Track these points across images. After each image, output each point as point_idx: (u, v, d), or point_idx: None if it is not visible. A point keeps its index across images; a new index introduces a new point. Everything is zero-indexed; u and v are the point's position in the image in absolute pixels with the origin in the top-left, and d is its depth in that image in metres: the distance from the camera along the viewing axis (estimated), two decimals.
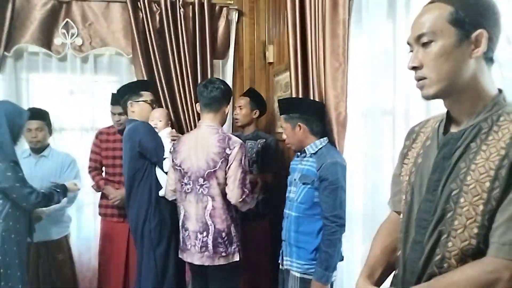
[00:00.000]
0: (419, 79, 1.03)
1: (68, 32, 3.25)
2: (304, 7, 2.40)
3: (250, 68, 3.72)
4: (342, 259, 2.16)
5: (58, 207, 2.80)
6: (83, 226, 3.44)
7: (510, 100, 1.02)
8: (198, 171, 2.29)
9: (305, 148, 2.22)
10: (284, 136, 2.32)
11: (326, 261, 2.02)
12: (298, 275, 2.16)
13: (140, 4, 3.26)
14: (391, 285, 1.19)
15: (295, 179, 2.26)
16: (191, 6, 3.36)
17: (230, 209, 2.30)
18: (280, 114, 2.40)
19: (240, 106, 3.08)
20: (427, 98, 1.04)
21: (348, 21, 2.06)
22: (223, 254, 2.28)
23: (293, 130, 2.23)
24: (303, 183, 2.15)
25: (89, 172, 3.14)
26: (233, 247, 2.31)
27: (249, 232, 2.90)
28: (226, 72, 3.60)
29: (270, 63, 3.59)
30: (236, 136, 2.46)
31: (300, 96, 2.48)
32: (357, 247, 2.13)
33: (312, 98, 2.37)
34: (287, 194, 2.32)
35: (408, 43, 1.06)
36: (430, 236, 1.01)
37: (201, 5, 3.37)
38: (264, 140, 3.01)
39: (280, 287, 2.36)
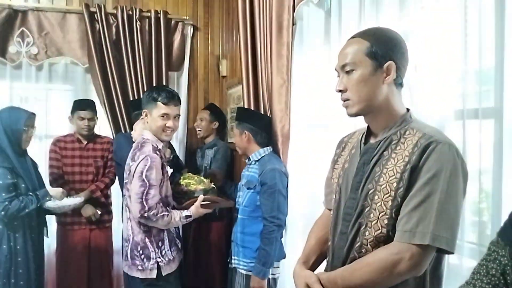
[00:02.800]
0: (344, 100, 1.26)
1: (23, 41, 3.28)
2: (254, 28, 2.62)
3: (205, 81, 3.90)
4: (285, 257, 2.37)
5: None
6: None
7: (415, 117, 1.27)
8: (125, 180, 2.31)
9: (250, 156, 2.44)
10: (233, 140, 2.53)
11: (264, 258, 2.25)
12: (244, 272, 2.38)
13: (97, 15, 3.35)
14: (324, 271, 1.40)
15: (242, 185, 2.48)
16: (147, 20, 3.51)
17: (144, 224, 2.19)
18: (235, 120, 2.61)
19: (201, 119, 3.35)
20: (351, 115, 1.27)
21: (291, 43, 2.30)
22: (139, 267, 2.20)
23: (240, 136, 2.46)
24: (247, 188, 2.38)
25: (53, 180, 3.07)
26: (150, 263, 2.20)
27: (206, 233, 3.11)
28: (181, 83, 3.76)
29: (224, 77, 3.79)
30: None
31: (252, 108, 2.70)
32: (299, 246, 2.35)
33: (261, 111, 2.59)
34: (236, 199, 2.53)
35: (336, 70, 1.30)
36: (352, 227, 1.23)
37: (157, 19, 3.52)
38: (216, 146, 3.24)
39: (229, 285, 2.54)
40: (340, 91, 1.26)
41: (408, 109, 1.27)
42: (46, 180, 3.06)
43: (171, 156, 2.92)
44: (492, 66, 1.27)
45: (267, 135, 2.46)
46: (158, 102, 2.20)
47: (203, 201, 2.34)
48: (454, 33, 1.40)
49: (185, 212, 2.27)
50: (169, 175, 2.51)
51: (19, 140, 2.53)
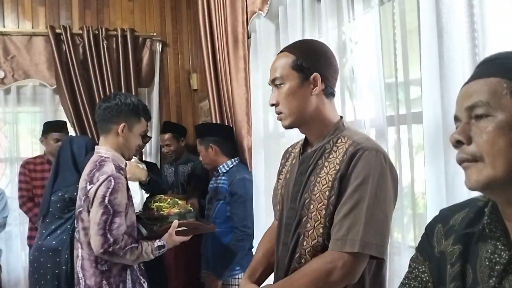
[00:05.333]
0: (277, 113, 1.27)
1: None
2: (214, 42, 2.67)
3: (176, 95, 3.93)
4: None
5: None
6: (11, 259, 3.39)
7: (348, 125, 1.29)
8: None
9: (218, 168, 2.46)
10: (200, 158, 2.55)
11: (225, 259, 2.27)
12: None
13: (63, 37, 3.38)
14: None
15: (211, 197, 2.49)
16: (114, 38, 3.54)
17: (102, 262, 1.79)
18: (196, 138, 2.63)
19: (167, 145, 3.26)
20: (285, 127, 1.29)
21: (248, 56, 2.34)
22: None
23: (206, 151, 2.47)
24: (217, 200, 2.39)
25: (23, 203, 3.05)
26: None
27: (181, 246, 3.07)
28: (152, 99, 3.78)
29: (195, 90, 3.83)
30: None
31: (218, 121, 2.73)
32: None
33: (226, 123, 2.62)
34: (205, 212, 2.54)
35: (269, 84, 1.32)
36: (292, 237, 1.23)
37: (124, 36, 3.55)
38: (193, 162, 3.22)
39: None
40: (273, 105, 1.27)
41: (341, 117, 1.29)
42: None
43: (147, 179, 2.53)
44: (418, 75, 1.32)
45: (231, 144, 2.49)
46: (142, 119, 1.89)
47: (178, 227, 1.97)
48: (384, 42, 1.44)
49: (158, 242, 1.88)
50: (144, 200, 2.29)
51: None
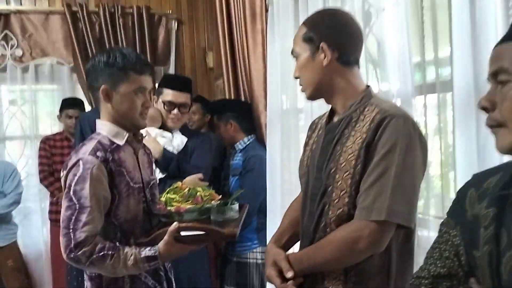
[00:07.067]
0: (300, 84, 1.28)
1: (7, 44, 3.31)
2: (231, 17, 2.63)
3: (192, 74, 3.90)
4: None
5: None
6: (32, 233, 3.46)
7: (375, 93, 1.26)
8: None
9: (235, 145, 2.46)
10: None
11: None
12: (234, 259, 2.39)
13: (79, 14, 3.37)
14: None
15: (227, 174, 2.50)
16: (130, 16, 3.51)
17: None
18: (214, 115, 2.62)
19: (193, 112, 3.15)
20: (308, 99, 1.29)
21: (265, 30, 2.30)
22: None
23: (225, 127, 2.47)
24: (233, 175, 2.39)
25: (44, 178, 3.11)
26: None
27: None
28: None
29: (211, 69, 3.80)
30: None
31: (232, 97, 2.71)
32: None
33: (242, 99, 2.60)
34: (222, 187, 2.55)
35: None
36: (318, 207, 1.22)
37: (140, 15, 3.52)
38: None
39: (219, 275, 2.56)
40: (296, 77, 1.28)
41: (368, 86, 1.26)
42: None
43: (159, 157, 2.11)
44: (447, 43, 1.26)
45: (250, 120, 2.48)
46: (131, 73, 1.39)
47: (180, 231, 1.35)
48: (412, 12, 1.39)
49: (147, 251, 1.34)
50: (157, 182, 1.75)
51: None
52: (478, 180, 0.85)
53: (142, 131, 1.84)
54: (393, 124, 1.09)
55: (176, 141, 2.19)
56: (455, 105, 1.16)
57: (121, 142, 1.42)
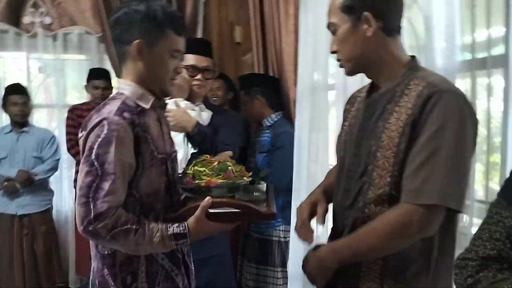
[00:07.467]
0: (338, 60, 1.20)
1: (37, 11, 3.30)
2: None
3: (219, 48, 3.82)
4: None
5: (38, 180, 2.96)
6: (60, 200, 3.53)
7: (421, 65, 1.17)
8: None
9: (262, 121, 2.41)
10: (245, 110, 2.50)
11: None
12: (256, 235, 2.38)
13: None
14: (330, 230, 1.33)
15: (254, 151, 2.45)
16: None
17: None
18: (241, 89, 2.56)
19: (217, 87, 3.10)
20: (348, 75, 1.21)
21: (298, 0, 2.21)
22: None
23: (252, 103, 2.41)
24: (259, 152, 2.35)
25: (71, 146, 3.09)
26: None
27: None
28: None
29: (238, 43, 3.71)
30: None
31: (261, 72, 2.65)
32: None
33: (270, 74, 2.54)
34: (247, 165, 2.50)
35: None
36: (355, 185, 1.16)
37: None
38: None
39: (241, 250, 2.56)
40: (333, 52, 1.19)
41: (413, 57, 1.17)
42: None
43: (195, 130, 1.92)
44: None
45: (278, 96, 2.42)
46: (168, 30, 1.24)
47: (212, 207, 1.23)
48: None
49: (174, 228, 1.21)
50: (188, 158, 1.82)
51: None
52: None
53: (170, 102, 1.76)
54: (443, 100, 1.01)
55: (204, 115, 2.05)
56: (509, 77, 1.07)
57: (147, 105, 1.26)
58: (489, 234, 0.83)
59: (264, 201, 1.31)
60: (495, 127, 1.25)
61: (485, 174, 1.28)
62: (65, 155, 3.27)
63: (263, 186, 1.40)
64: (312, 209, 1.31)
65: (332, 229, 1.28)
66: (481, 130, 1.27)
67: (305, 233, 1.28)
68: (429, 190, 0.99)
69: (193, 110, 2.00)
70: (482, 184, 1.31)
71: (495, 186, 1.26)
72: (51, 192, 3.23)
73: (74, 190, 3.27)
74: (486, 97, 1.22)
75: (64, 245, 3.45)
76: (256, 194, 1.35)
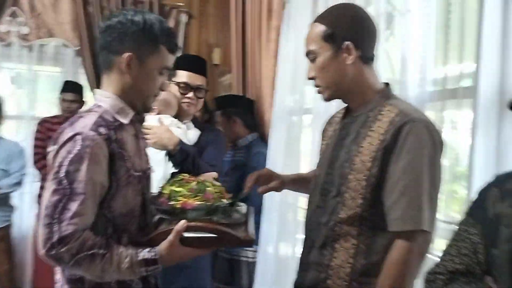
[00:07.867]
0: (316, 86, 1.24)
1: (14, 20, 3.26)
2: (245, 13, 2.62)
3: None
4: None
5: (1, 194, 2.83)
6: (21, 216, 3.35)
7: (393, 93, 1.23)
8: None
9: (237, 142, 2.43)
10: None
11: None
12: (224, 255, 2.36)
13: None
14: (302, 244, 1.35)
15: (228, 170, 2.46)
16: (141, 5, 3.48)
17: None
18: (217, 110, 2.59)
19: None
20: (326, 100, 1.26)
21: (280, 27, 2.29)
22: None
23: (228, 123, 2.44)
24: (233, 171, 2.36)
25: (37, 160, 3.01)
26: None
27: None
28: None
29: (215, 65, 3.78)
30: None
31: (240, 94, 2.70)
32: (274, 233, 2.32)
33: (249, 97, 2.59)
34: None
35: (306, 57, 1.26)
36: (331, 203, 1.19)
37: (151, 4, 3.50)
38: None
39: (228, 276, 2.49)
40: (310, 78, 1.24)
41: (387, 84, 1.24)
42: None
43: (176, 149, 1.82)
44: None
45: (253, 117, 2.46)
46: (161, 46, 1.19)
47: (187, 231, 1.14)
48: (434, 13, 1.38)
49: (145, 253, 1.13)
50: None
51: None
52: (502, 180, 0.87)
53: (154, 118, 1.74)
54: (416, 129, 1.07)
55: (191, 134, 1.95)
56: (477, 109, 1.15)
57: (125, 120, 1.19)
58: (457, 249, 0.87)
59: (244, 223, 1.24)
60: (460, 157, 1.33)
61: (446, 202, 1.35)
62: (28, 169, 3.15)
63: (243, 208, 1.34)
64: (269, 178, 1.43)
65: (303, 244, 1.30)
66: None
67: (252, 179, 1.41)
68: (413, 216, 1.06)
69: (178, 128, 1.92)
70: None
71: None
72: (11, 208, 3.08)
73: (36, 206, 3.15)
74: (453, 127, 1.30)
75: (20, 266, 3.28)
76: (236, 216, 1.27)
